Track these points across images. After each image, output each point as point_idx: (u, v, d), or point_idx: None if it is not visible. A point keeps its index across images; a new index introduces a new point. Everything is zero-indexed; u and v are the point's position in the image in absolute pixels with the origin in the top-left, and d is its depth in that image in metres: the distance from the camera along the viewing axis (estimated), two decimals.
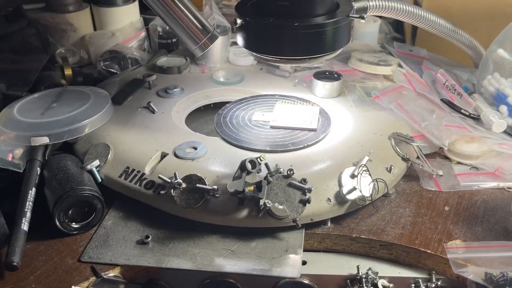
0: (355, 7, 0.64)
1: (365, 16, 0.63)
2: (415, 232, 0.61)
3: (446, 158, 0.74)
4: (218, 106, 0.80)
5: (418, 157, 0.70)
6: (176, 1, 0.60)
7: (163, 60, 0.91)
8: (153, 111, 0.75)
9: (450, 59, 1.05)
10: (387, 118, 0.75)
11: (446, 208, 0.65)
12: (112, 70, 0.95)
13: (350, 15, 0.61)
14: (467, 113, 0.77)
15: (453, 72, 0.97)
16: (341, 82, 0.80)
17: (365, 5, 0.68)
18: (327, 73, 0.83)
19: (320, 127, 0.71)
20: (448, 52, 1.14)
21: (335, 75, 0.82)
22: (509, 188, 0.68)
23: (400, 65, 0.87)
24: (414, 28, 1.31)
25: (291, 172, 0.60)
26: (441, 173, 0.70)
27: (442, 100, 0.77)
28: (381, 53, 0.91)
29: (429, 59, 0.97)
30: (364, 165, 0.63)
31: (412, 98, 0.79)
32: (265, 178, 0.59)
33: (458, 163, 0.73)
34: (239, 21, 0.61)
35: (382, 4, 0.70)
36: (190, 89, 0.82)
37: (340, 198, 0.61)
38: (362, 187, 0.62)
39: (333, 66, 0.87)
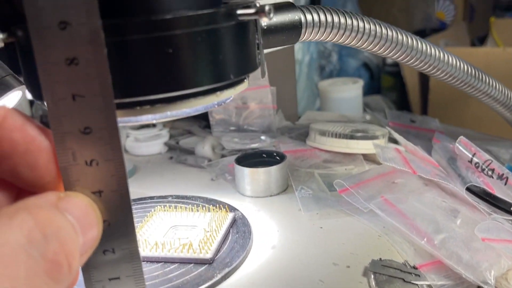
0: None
1: (300, 36, 0.31)
2: None
3: None
4: None
5: None
6: None
7: None
8: None
9: (478, 132, 0.70)
10: (364, 230, 0.38)
11: None
12: None
13: (240, 12, 0.28)
14: None
15: (487, 148, 0.62)
16: (282, 167, 0.45)
17: (297, 19, 0.35)
18: (264, 155, 0.48)
19: (223, 256, 0.35)
20: (475, 125, 0.80)
21: (277, 158, 0.47)
22: None
23: (393, 140, 0.53)
24: (424, 98, 0.99)
25: None
26: None
27: (468, 190, 0.41)
28: (363, 124, 0.57)
29: (443, 132, 0.62)
30: None
31: (414, 190, 0.42)
32: None
33: None
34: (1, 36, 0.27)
35: (334, 21, 0.37)
36: None
37: None
38: None
39: (280, 146, 0.53)
